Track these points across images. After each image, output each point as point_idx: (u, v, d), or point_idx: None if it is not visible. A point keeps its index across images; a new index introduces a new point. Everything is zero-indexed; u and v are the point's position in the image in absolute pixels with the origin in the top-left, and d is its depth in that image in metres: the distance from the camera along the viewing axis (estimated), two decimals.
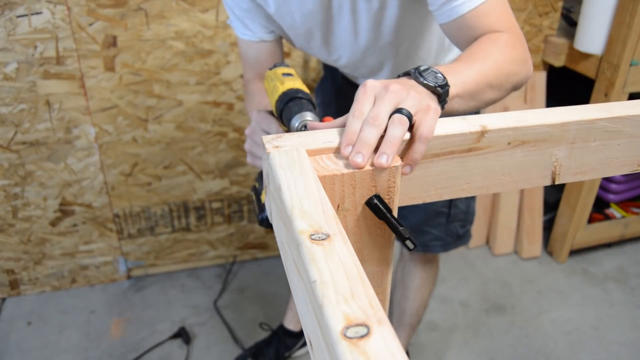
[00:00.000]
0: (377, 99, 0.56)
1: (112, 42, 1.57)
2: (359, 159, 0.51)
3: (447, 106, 0.63)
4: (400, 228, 0.51)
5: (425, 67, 0.62)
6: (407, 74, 0.63)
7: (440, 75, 0.61)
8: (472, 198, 1.33)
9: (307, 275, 0.36)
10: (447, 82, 0.61)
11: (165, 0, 1.54)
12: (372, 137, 0.52)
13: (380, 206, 0.51)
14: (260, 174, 0.80)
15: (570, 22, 2.02)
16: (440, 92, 0.60)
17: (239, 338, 1.74)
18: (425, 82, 0.60)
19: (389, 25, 0.92)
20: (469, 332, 1.79)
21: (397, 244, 1.73)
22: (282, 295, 1.89)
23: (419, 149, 0.55)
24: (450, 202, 1.26)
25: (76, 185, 1.75)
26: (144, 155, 1.77)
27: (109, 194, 1.80)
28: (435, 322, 1.83)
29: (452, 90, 0.63)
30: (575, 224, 2.02)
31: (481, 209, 2.12)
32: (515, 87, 0.76)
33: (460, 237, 1.35)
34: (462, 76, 0.65)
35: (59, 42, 1.52)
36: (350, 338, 0.30)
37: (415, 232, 1.30)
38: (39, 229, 1.79)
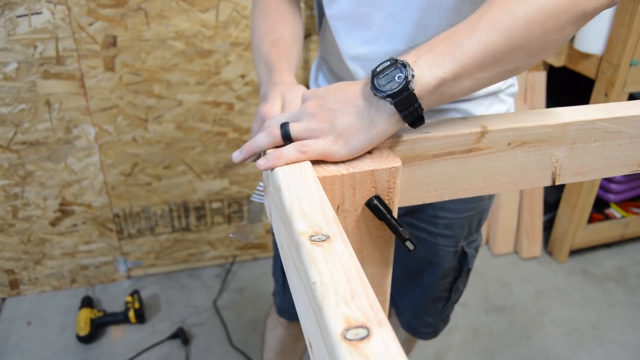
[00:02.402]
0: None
1: (112, 42, 1.57)
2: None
3: (438, 98, 0.53)
4: (400, 229, 0.51)
5: (387, 64, 0.52)
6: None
7: (402, 75, 0.51)
8: (468, 275, 1.11)
9: (307, 276, 0.36)
10: (407, 85, 0.50)
11: (165, 0, 1.54)
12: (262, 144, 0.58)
13: (380, 207, 0.51)
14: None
15: None
16: (394, 102, 0.51)
17: (239, 338, 1.74)
18: (375, 91, 0.52)
19: None
20: (469, 332, 1.79)
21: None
22: None
23: (283, 150, 0.54)
24: (452, 287, 1.09)
25: (76, 185, 1.75)
26: (144, 155, 1.77)
27: (109, 194, 1.80)
28: None
29: (439, 76, 0.52)
30: (575, 224, 2.02)
31: None
32: (585, 19, 0.55)
33: (448, 316, 1.19)
34: (457, 52, 0.52)
35: (59, 42, 1.52)
36: (350, 340, 0.29)
37: (410, 317, 1.16)
38: (39, 229, 1.79)
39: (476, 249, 1.06)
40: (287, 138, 0.56)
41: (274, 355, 1.28)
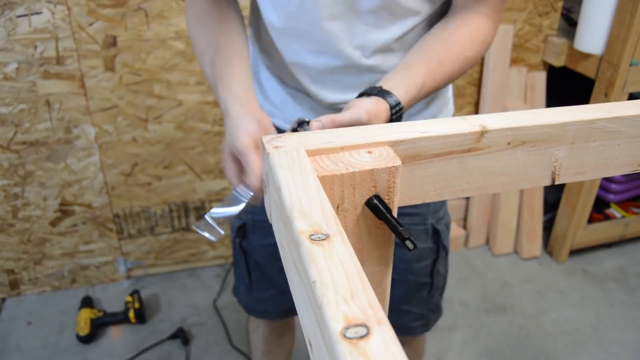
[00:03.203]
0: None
1: (112, 42, 1.57)
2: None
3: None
4: (400, 228, 0.51)
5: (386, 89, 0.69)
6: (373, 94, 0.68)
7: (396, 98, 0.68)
8: (447, 257, 1.11)
9: (307, 275, 0.36)
10: (401, 104, 0.69)
11: (165, 0, 1.54)
12: None
13: (380, 206, 0.51)
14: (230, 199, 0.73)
15: (570, 22, 2.02)
16: (393, 118, 0.68)
17: (239, 338, 1.74)
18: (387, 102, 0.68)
19: None
20: (469, 332, 1.79)
21: None
22: None
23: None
24: (432, 269, 1.07)
25: (76, 185, 1.75)
26: (144, 155, 1.77)
27: (109, 194, 1.80)
28: None
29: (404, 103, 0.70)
30: (575, 224, 2.02)
31: (481, 209, 2.12)
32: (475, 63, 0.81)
33: (439, 307, 1.17)
34: (412, 86, 0.71)
35: (59, 42, 1.52)
36: (350, 338, 0.29)
37: (395, 314, 1.10)
38: (39, 229, 1.79)
39: (447, 226, 1.06)
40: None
41: (261, 355, 1.28)
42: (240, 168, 0.69)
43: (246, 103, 0.70)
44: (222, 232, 0.67)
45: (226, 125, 0.69)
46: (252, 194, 0.68)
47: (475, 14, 0.78)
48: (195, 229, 0.70)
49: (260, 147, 0.65)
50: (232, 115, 0.68)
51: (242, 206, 0.69)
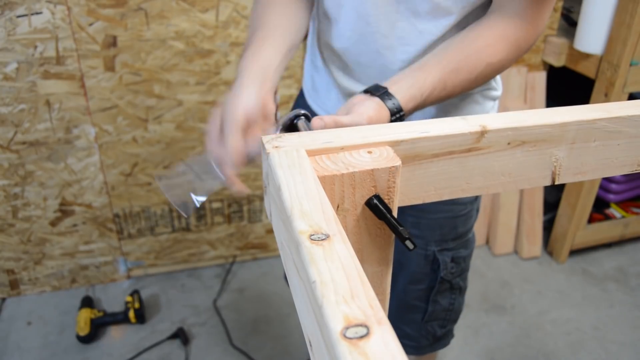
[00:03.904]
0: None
1: (112, 42, 1.57)
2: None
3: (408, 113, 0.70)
4: (400, 228, 0.51)
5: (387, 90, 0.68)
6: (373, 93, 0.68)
7: (397, 102, 0.67)
8: (461, 293, 1.10)
9: (307, 275, 0.36)
10: (402, 111, 0.68)
11: (165, 0, 1.54)
12: None
13: (380, 206, 0.51)
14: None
15: (570, 22, 2.02)
16: (392, 119, 0.67)
17: (239, 338, 1.74)
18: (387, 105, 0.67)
19: None
20: (469, 332, 1.79)
21: None
22: (281, 295, 1.89)
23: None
24: (429, 297, 1.04)
25: (76, 185, 1.75)
26: (144, 155, 1.77)
27: (109, 194, 1.80)
28: None
29: (407, 107, 0.68)
30: (575, 224, 2.02)
31: (481, 208, 2.12)
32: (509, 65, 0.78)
33: (439, 339, 1.12)
34: (417, 88, 0.69)
35: (59, 42, 1.52)
36: (350, 338, 0.29)
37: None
38: (39, 229, 1.79)
39: (454, 260, 1.01)
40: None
41: None
42: (221, 138, 0.66)
43: (262, 79, 0.67)
44: (197, 205, 0.66)
45: (232, 87, 0.67)
46: (223, 178, 0.67)
47: (507, 15, 0.73)
48: (169, 199, 0.67)
49: (248, 128, 0.64)
50: (242, 81, 0.66)
51: (218, 184, 0.68)
